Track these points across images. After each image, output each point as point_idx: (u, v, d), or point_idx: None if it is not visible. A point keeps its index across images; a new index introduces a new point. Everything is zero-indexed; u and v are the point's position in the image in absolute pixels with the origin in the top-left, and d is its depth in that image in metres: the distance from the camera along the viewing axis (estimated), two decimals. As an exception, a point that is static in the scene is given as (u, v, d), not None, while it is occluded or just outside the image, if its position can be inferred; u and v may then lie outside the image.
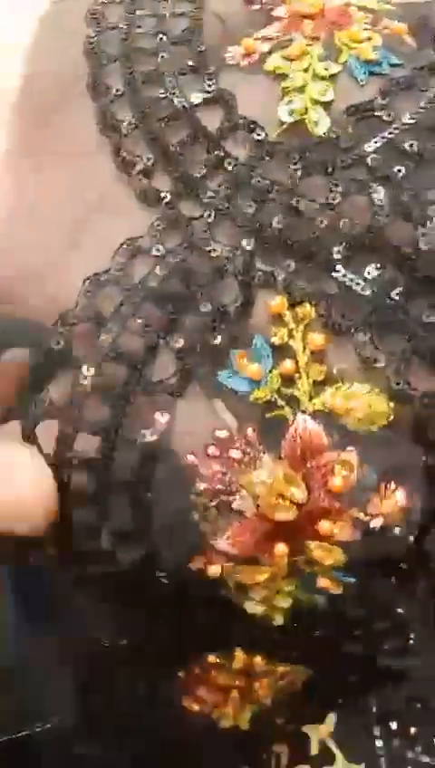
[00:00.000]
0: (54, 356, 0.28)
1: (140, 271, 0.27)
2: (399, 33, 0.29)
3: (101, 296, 0.27)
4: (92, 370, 0.27)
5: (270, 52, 0.28)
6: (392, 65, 0.28)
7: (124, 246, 0.27)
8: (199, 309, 0.27)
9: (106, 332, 0.27)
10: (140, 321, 0.27)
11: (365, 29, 0.29)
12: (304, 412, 0.26)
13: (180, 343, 0.27)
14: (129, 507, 0.27)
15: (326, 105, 0.28)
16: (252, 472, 0.26)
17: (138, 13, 0.30)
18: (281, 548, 0.26)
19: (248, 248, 0.27)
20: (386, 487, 0.25)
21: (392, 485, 0.25)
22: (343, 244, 0.27)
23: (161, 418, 0.26)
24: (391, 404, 0.26)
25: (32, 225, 0.29)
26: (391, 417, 0.26)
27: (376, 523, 0.25)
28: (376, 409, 0.26)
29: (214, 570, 0.27)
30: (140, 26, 0.30)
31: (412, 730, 0.39)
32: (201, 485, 0.26)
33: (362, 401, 0.26)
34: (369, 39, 0.28)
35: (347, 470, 0.25)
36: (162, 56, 0.29)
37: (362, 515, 0.26)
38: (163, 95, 0.29)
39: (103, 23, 0.30)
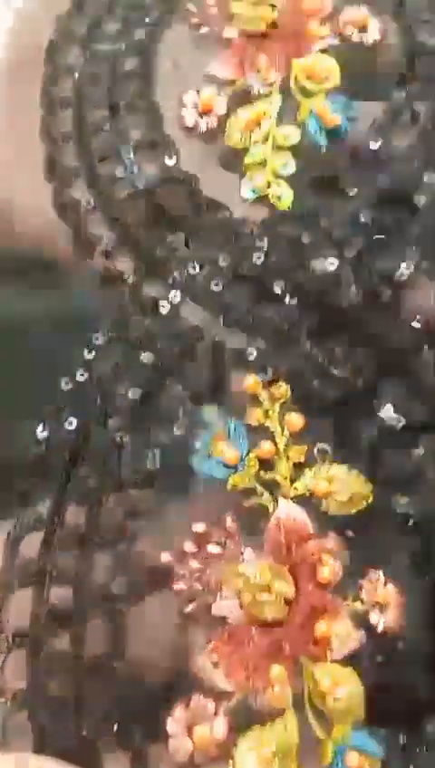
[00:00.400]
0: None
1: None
2: (363, 25, 0.28)
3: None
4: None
5: (228, 115, 0.28)
6: (350, 119, 0.27)
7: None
8: (170, 393, 0.26)
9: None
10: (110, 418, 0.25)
11: (322, 49, 0.28)
12: (284, 497, 0.24)
13: (151, 432, 0.25)
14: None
15: (288, 178, 0.27)
16: (234, 567, 0.24)
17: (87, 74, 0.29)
18: (277, 671, 0.23)
19: (217, 327, 0.26)
20: (373, 573, 0.24)
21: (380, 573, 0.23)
22: (313, 321, 0.26)
23: (132, 522, 0.24)
24: (371, 486, 0.24)
25: None
26: (371, 498, 0.24)
27: (375, 619, 0.23)
28: (357, 491, 0.24)
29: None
30: (93, 88, 0.29)
31: None
32: (178, 585, 0.24)
33: (343, 483, 0.24)
34: (326, 78, 0.28)
35: (332, 558, 0.23)
36: (117, 127, 0.28)
37: (358, 605, 0.24)
38: (122, 174, 0.28)
39: (54, 93, 0.29)
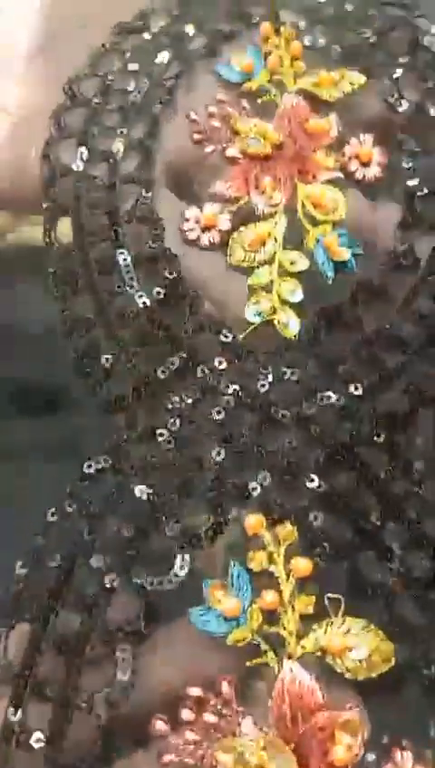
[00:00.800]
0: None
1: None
2: (367, 159, 0.28)
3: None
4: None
5: (232, 231, 0.27)
6: (356, 255, 0.27)
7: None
8: (165, 532, 0.23)
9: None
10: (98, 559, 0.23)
11: (329, 179, 0.28)
12: (290, 657, 0.22)
13: (143, 576, 0.23)
14: None
15: (295, 305, 0.26)
16: (230, 740, 0.21)
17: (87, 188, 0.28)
18: None
19: (218, 459, 0.24)
20: (400, 752, 0.21)
21: (406, 751, 0.20)
22: (320, 454, 0.24)
23: (123, 676, 0.21)
24: (393, 644, 0.22)
25: None
26: (393, 659, 0.22)
27: None
28: (376, 649, 0.22)
29: None
30: (94, 203, 0.28)
31: None
32: (167, 758, 0.21)
33: (360, 640, 0.22)
34: (333, 210, 0.27)
35: (350, 734, 0.20)
36: (116, 237, 0.27)
37: None
38: (120, 289, 0.27)
39: (52, 195, 0.28)
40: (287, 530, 0.23)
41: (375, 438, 0.24)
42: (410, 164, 0.28)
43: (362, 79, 0.29)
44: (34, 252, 0.30)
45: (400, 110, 0.29)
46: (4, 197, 0.30)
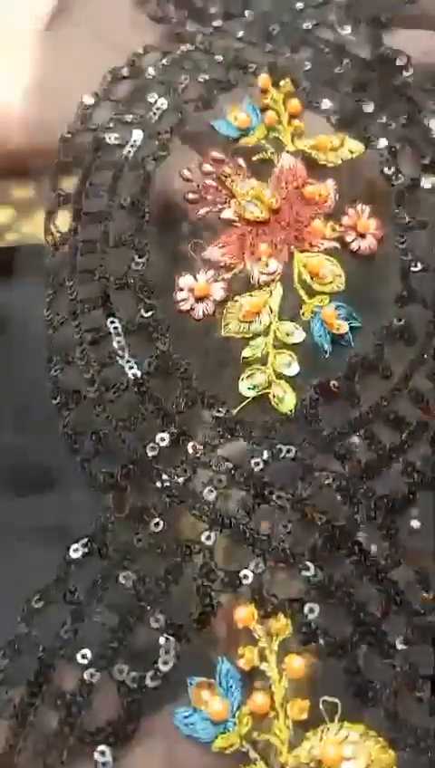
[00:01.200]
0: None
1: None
2: (363, 231, 0.27)
3: None
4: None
5: (226, 300, 0.26)
6: (354, 328, 0.26)
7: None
8: (150, 623, 0.22)
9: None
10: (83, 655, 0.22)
11: (326, 249, 0.27)
12: None
13: (124, 673, 0.21)
14: None
15: (291, 379, 0.25)
16: None
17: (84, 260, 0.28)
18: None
19: (208, 543, 0.23)
20: None
21: None
22: (317, 539, 0.23)
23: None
24: (395, 753, 0.20)
25: None
26: None
27: None
28: (377, 760, 0.20)
29: None
30: (87, 268, 0.27)
31: None
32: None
33: (358, 749, 0.20)
34: (331, 282, 0.26)
35: None
36: (110, 304, 0.26)
37: None
38: (111, 359, 0.26)
39: (52, 266, 0.28)
40: (281, 623, 0.22)
41: (374, 522, 0.23)
42: (405, 238, 0.27)
43: (361, 148, 0.29)
44: (35, 252, 0.29)
45: (396, 183, 0.28)
46: (22, 157, 0.30)
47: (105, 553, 0.23)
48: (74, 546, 0.23)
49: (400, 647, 0.22)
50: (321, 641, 0.21)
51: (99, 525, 0.23)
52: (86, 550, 0.23)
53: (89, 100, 0.30)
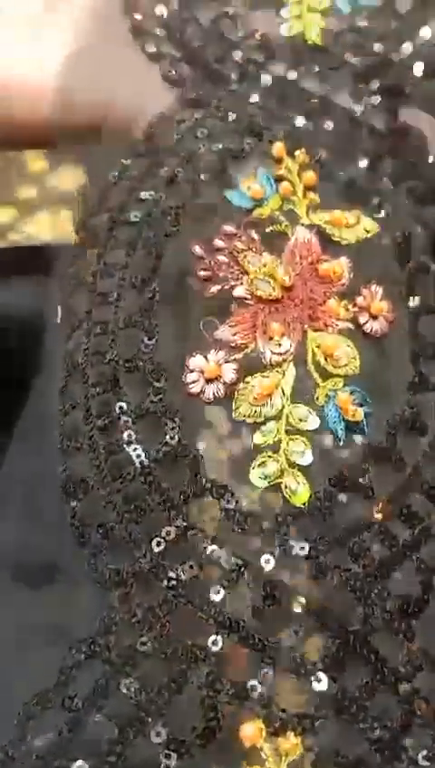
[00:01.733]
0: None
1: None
2: (376, 313, 0.26)
3: None
4: None
5: (237, 382, 0.25)
6: (367, 415, 0.25)
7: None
8: (150, 737, 0.21)
9: None
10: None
11: (340, 330, 0.26)
12: None
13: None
14: None
15: (304, 468, 0.24)
16: None
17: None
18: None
19: (215, 649, 0.22)
20: None
21: None
22: (331, 646, 0.21)
23: None
24: None
25: None
26: None
27: None
28: None
29: None
30: (97, 350, 0.26)
31: None
32: None
33: None
34: (346, 365, 0.25)
35: None
36: (120, 388, 0.25)
37: None
38: (118, 445, 0.25)
39: (70, 364, 0.26)
40: (291, 743, 0.20)
41: (391, 625, 0.21)
42: (415, 323, 0.26)
43: (376, 227, 0.28)
44: (34, 252, 0.29)
45: (407, 266, 0.27)
46: (49, 129, 0.32)
47: (107, 658, 0.22)
48: (76, 648, 0.22)
49: (423, 763, 0.20)
50: (334, 765, 0.20)
51: (102, 626, 0.22)
52: (88, 653, 0.22)
53: (112, 179, 0.29)
